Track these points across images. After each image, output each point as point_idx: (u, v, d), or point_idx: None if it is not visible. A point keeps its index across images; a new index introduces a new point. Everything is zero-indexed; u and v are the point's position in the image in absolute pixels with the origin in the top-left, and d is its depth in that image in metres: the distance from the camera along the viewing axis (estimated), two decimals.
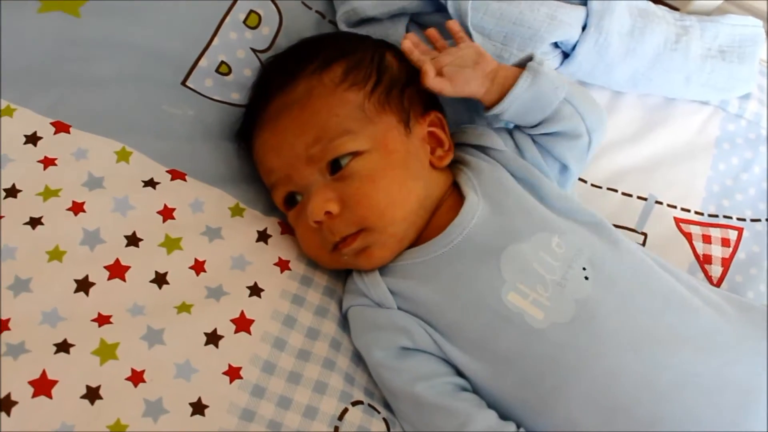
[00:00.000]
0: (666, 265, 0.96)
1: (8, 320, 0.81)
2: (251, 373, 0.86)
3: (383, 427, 0.89)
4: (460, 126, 1.06)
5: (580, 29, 1.09)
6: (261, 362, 0.87)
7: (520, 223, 0.92)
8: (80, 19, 1.00)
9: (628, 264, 0.91)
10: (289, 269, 0.95)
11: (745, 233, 1.14)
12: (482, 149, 1.01)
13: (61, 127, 0.94)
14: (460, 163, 1.00)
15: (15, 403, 0.76)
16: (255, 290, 0.91)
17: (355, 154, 0.90)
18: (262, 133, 0.95)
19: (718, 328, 0.87)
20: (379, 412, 0.90)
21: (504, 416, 0.87)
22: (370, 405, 0.90)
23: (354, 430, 0.87)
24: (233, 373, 0.85)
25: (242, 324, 0.88)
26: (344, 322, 0.96)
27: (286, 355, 0.89)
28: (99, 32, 1.01)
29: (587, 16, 1.10)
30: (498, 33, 1.07)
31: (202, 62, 1.04)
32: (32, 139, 0.92)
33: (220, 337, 0.87)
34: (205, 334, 0.86)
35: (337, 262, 0.95)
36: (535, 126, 0.98)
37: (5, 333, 0.80)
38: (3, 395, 0.76)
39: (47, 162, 0.91)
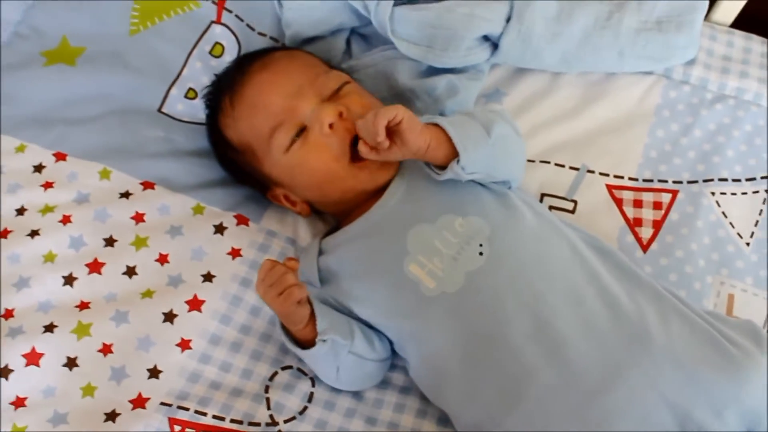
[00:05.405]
0: (592, 240, 1.04)
1: (13, 310, 1.06)
2: (199, 345, 1.06)
3: (309, 383, 1.06)
4: None
5: (503, 22, 1.19)
6: (209, 335, 1.07)
7: (430, 205, 1.04)
8: (76, 68, 1.25)
9: (528, 242, 1.01)
10: (241, 256, 1.14)
11: (680, 195, 1.16)
12: None
13: (60, 156, 1.19)
14: None
15: (11, 371, 1.00)
16: (208, 276, 1.11)
17: (346, 82, 1.10)
18: (255, 79, 1.10)
19: (598, 324, 0.94)
20: (306, 375, 1.07)
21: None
22: (299, 369, 1.07)
23: (281, 389, 1.04)
24: (184, 345, 1.05)
25: (194, 304, 1.08)
26: None
27: (230, 329, 1.08)
28: (91, 78, 1.24)
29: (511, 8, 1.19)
30: (422, 37, 1.19)
31: (173, 91, 1.26)
32: (38, 168, 1.18)
33: (175, 315, 1.07)
34: (163, 313, 1.07)
35: (355, 177, 1.06)
36: None
37: (10, 320, 1.05)
38: (2, 365, 1.01)
39: (47, 185, 1.16)
